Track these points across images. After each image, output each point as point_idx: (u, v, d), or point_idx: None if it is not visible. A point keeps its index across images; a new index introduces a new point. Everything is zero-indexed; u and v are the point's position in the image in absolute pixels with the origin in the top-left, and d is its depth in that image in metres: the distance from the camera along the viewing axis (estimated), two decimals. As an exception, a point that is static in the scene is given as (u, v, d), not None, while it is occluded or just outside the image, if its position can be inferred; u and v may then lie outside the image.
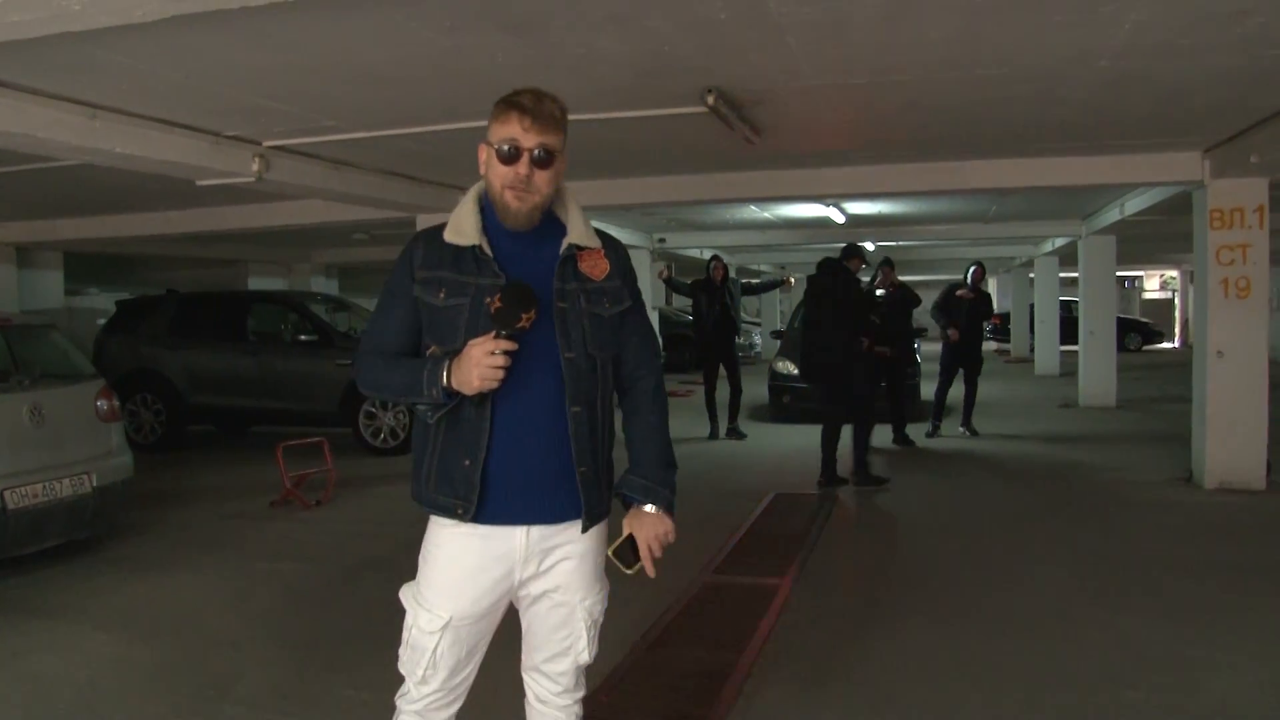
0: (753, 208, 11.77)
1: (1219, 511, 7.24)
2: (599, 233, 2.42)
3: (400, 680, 2.40)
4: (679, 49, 4.67)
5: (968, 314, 10.89)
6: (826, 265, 8.32)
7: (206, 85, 5.10)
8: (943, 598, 5.27)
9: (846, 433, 8.23)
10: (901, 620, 4.89)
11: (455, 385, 2.20)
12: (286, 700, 3.99)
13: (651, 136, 6.51)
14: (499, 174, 2.27)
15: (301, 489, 7.70)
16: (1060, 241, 16.04)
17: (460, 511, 2.29)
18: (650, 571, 2.36)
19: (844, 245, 8.57)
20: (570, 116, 2.37)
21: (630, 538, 2.36)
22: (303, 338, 10.53)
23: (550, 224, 2.37)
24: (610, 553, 2.38)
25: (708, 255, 11.46)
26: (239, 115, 5.80)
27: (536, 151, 2.24)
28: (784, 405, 12.65)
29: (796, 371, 12.67)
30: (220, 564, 6.03)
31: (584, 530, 2.36)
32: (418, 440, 2.41)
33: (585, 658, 2.44)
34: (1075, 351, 14.78)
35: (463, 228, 2.32)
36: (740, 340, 16.20)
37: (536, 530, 2.32)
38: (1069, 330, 17.80)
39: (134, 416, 10.80)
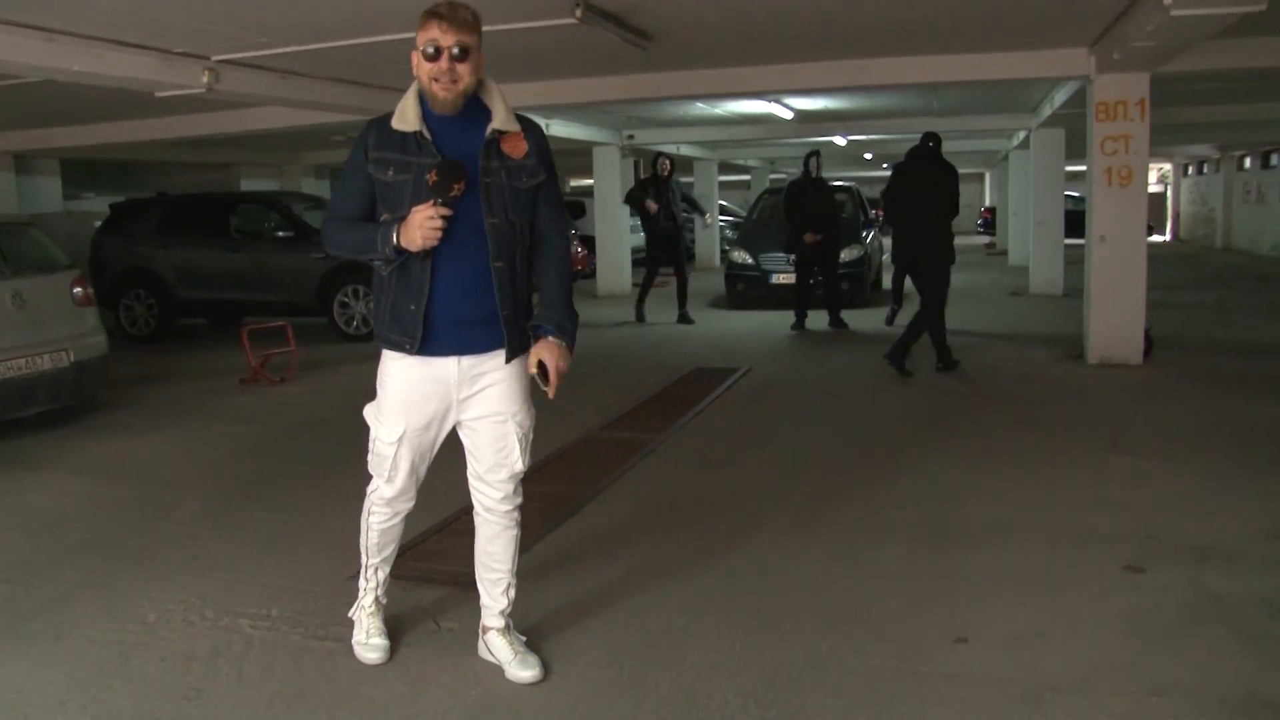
0: (699, 105, 12.33)
1: (1087, 381, 8.00)
2: (519, 117, 2.96)
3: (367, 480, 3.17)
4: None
5: (813, 206, 10.96)
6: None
7: (144, 12, 5.85)
8: (772, 447, 6.16)
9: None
10: (722, 467, 5.75)
11: (403, 244, 2.80)
12: (211, 520, 4.97)
13: (555, 43, 7.15)
14: (426, 70, 2.82)
15: (267, 368, 8.65)
16: (1022, 135, 16.42)
17: (408, 347, 2.93)
18: (551, 395, 2.98)
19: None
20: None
21: (542, 363, 2.96)
22: (280, 234, 11.36)
23: (478, 110, 2.92)
24: (534, 375, 3.00)
25: (683, 151, 11.84)
26: (179, 35, 6.54)
27: (454, 49, 2.79)
28: (738, 293, 13.58)
29: (751, 260, 13.52)
30: (183, 428, 7.01)
31: (508, 360, 2.98)
32: (375, 291, 3.02)
33: (519, 466, 3.09)
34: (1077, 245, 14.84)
35: (407, 116, 2.88)
36: (690, 235, 16.80)
37: (466, 360, 2.95)
38: (1074, 224, 16.65)
39: (129, 310, 11.74)
